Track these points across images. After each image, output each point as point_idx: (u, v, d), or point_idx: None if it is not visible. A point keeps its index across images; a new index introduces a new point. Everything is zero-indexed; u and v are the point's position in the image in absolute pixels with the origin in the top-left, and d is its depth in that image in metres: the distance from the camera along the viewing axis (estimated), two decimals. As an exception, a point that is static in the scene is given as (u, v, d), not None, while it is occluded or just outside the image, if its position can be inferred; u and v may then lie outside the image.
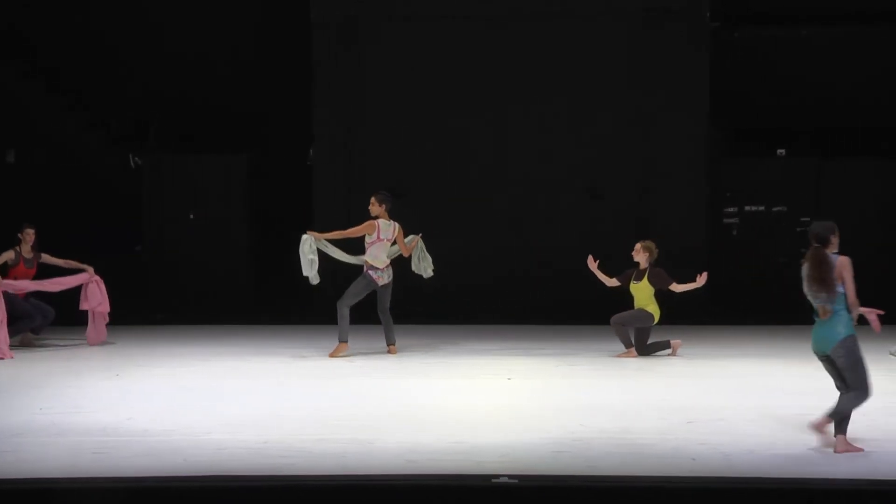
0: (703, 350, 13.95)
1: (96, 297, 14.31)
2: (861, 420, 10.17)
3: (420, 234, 13.85)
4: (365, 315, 14.90)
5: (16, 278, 14.33)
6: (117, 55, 17.73)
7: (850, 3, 17.38)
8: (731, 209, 17.73)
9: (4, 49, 17.63)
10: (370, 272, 13.29)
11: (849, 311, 9.21)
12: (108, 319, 14.57)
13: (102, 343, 14.49)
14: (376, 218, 13.28)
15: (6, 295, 14.17)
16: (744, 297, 17.19)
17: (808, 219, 17.52)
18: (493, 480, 8.14)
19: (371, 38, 17.11)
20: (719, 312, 16.59)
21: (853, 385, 9.19)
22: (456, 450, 9.14)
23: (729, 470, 8.65)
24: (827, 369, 9.42)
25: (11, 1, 17.42)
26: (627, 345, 13.67)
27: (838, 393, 9.30)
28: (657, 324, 13.67)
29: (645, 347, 13.64)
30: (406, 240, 13.66)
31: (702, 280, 13.45)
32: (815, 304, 9.28)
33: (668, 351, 13.69)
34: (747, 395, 11.36)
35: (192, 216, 16.41)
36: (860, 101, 17.61)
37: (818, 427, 9.19)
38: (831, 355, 9.19)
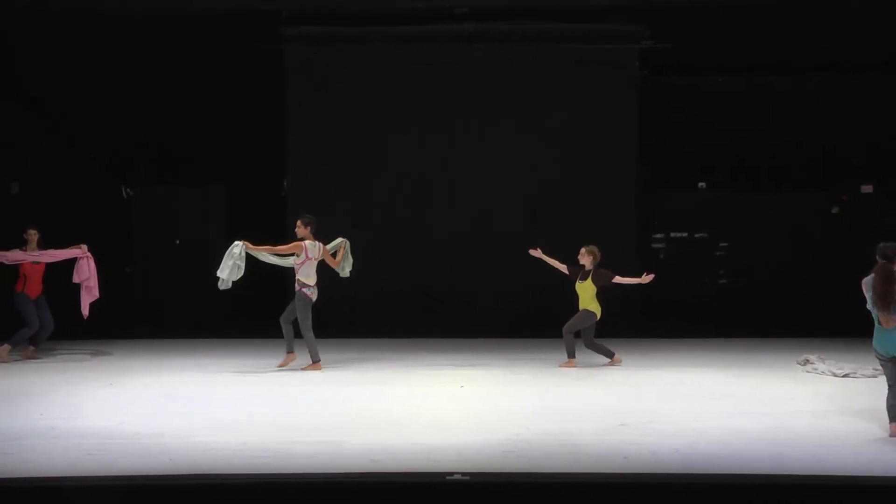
0: (635, 360, 13.95)
1: (84, 273, 14.10)
2: (768, 421, 10.30)
3: (346, 240, 13.61)
4: (346, 329, 14.93)
5: (26, 275, 14.21)
6: (109, 97, 17.64)
7: (761, 56, 17.54)
8: (658, 235, 17.84)
9: (8, 92, 17.55)
10: (303, 290, 13.06)
11: None
12: (96, 296, 14.25)
13: (88, 313, 14.22)
14: (303, 239, 13.10)
15: (20, 295, 14.18)
16: (671, 313, 17.28)
17: (726, 244, 17.73)
18: (448, 477, 8.16)
19: (337, 82, 17.13)
20: (649, 327, 16.68)
21: None
22: (414, 450, 9.15)
23: (657, 467, 8.70)
24: (887, 370, 9.64)
25: (18, 53, 17.31)
26: (571, 355, 13.71)
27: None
28: (597, 334, 13.75)
29: (592, 343, 13.65)
30: (332, 245, 13.44)
31: (647, 279, 13.60)
32: (877, 313, 9.50)
33: (608, 361, 13.71)
34: (674, 401, 11.38)
35: (178, 241, 16.34)
36: (771, 141, 17.78)
37: None
38: None
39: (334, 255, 13.52)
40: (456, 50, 16.98)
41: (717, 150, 17.89)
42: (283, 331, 13.28)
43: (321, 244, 13.27)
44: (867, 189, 17.56)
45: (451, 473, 8.23)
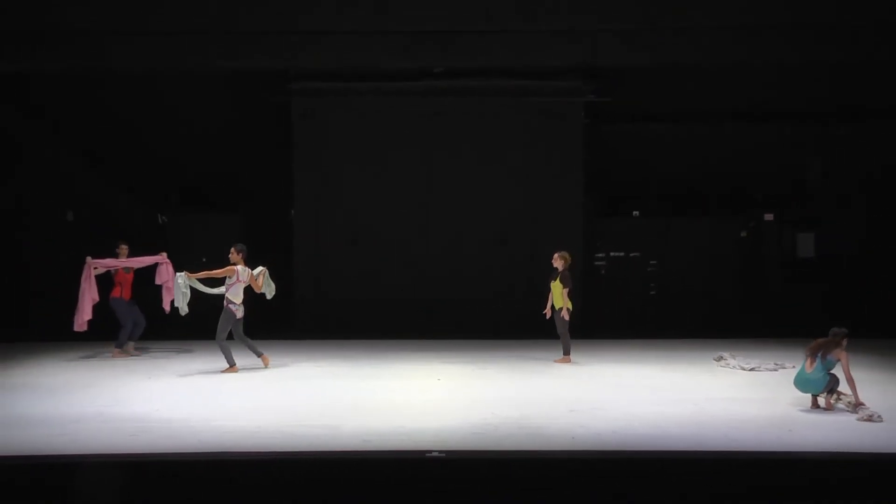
0: (582, 357, 13.94)
1: (164, 276, 14.00)
2: (690, 407, 10.37)
3: (265, 268, 13.24)
4: (342, 331, 14.87)
5: (120, 283, 14.14)
6: (146, 141, 17.61)
7: (684, 108, 17.60)
8: (600, 254, 17.85)
9: (64, 141, 17.55)
10: (230, 306, 12.61)
11: None
12: (172, 295, 14.01)
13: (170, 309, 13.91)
14: (235, 265, 12.73)
15: (116, 300, 14.09)
16: (611, 318, 17.29)
17: (656, 261, 17.79)
18: (427, 455, 8.23)
19: (335, 127, 17.08)
20: (594, 329, 16.68)
21: None
22: (399, 432, 9.17)
23: (600, 445, 8.76)
24: None
25: (72, 109, 17.29)
26: (566, 352, 13.61)
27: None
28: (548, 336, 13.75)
29: (564, 336, 13.57)
30: (255, 271, 13.00)
31: (566, 315, 13.52)
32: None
33: (562, 357, 13.56)
34: (614, 391, 11.41)
35: (203, 260, 16.21)
36: (691, 177, 17.79)
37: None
38: None
39: (257, 280, 13.06)
40: (434, 101, 16.99)
41: (648, 185, 17.96)
42: (245, 344, 12.91)
43: (250, 270, 12.91)
44: (769, 217, 17.67)
45: (430, 451, 8.27)
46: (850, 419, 9.82)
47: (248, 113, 17.58)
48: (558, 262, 13.70)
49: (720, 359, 13.50)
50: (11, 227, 17.46)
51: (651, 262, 17.66)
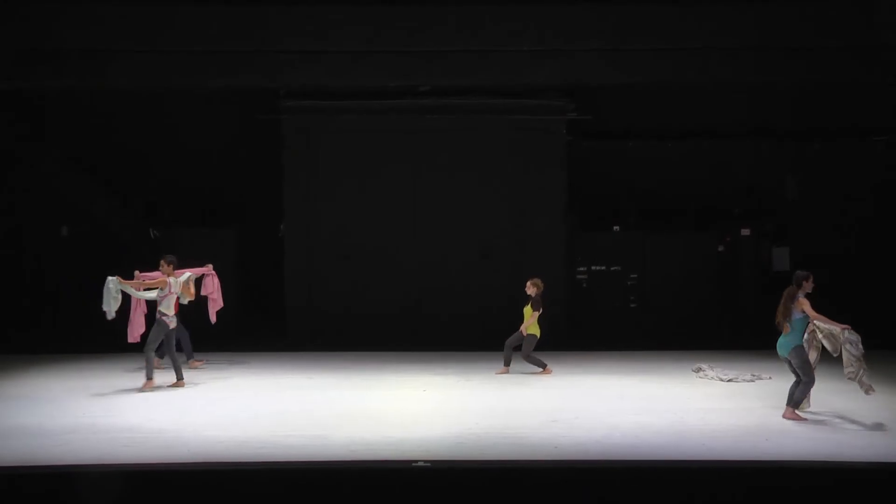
0: (563, 369, 13.93)
1: (209, 287, 13.94)
2: (669, 417, 10.40)
3: (191, 272, 13.02)
4: (327, 344, 14.83)
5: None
6: (140, 157, 17.58)
7: (664, 127, 17.63)
8: (582, 268, 17.86)
9: (58, 156, 17.51)
10: (164, 318, 12.28)
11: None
12: (221, 306, 14.05)
13: (216, 320, 13.96)
14: (167, 276, 12.47)
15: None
16: (592, 330, 17.31)
17: (636, 275, 17.83)
18: (413, 464, 8.23)
19: (324, 144, 17.03)
20: (574, 341, 16.68)
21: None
22: (385, 441, 9.17)
23: (581, 454, 8.78)
24: (789, 367, 10.34)
25: (67, 123, 17.25)
26: (506, 363, 13.68)
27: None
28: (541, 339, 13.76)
29: (529, 357, 13.55)
30: (183, 278, 12.72)
31: (525, 333, 13.63)
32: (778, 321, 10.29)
33: (542, 370, 13.63)
34: (595, 401, 11.43)
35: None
36: (670, 194, 17.82)
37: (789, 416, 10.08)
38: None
39: (189, 287, 12.84)
40: (420, 119, 17.04)
41: (628, 200, 18.01)
42: (171, 358, 12.60)
43: (181, 280, 12.67)
44: (746, 232, 17.74)
45: (416, 461, 8.28)
46: (825, 429, 9.87)
47: (240, 130, 17.58)
48: (531, 289, 13.78)
49: (699, 370, 13.52)
50: (6, 242, 17.39)
51: (631, 275, 17.70)
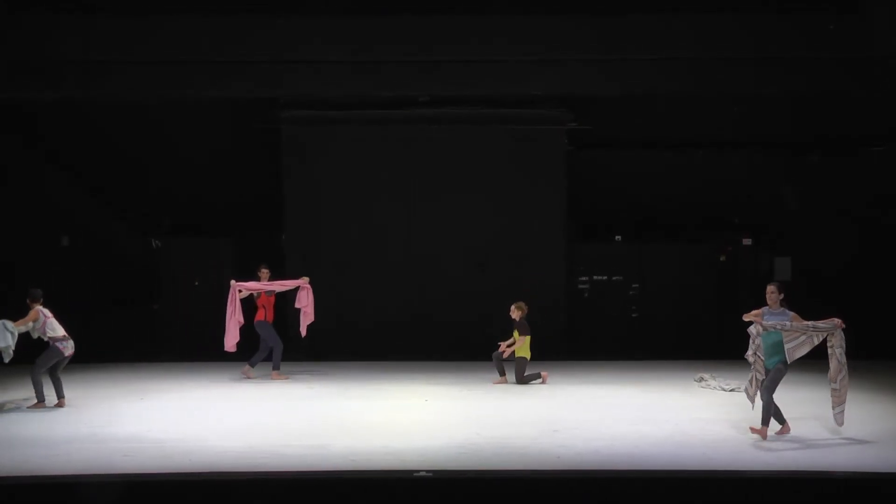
0: (564, 378, 13.97)
1: (303, 301, 14.09)
2: (669, 427, 10.40)
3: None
4: (328, 354, 14.80)
5: (264, 306, 14.07)
6: (140, 168, 17.62)
7: (663, 137, 17.62)
8: (583, 278, 17.86)
9: (59, 167, 17.56)
10: (56, 343, 11.85)
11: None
12: (312, 319, 14.23)
13: (306, 333, 14.16)
14: (37, 308, 11.92)
15: (261, 323, 14.00)
16: (592, 340, 17.32)
17: (637, 285, 17.84)
18: (415, 474, 8.22)
19: (323, 154, 17.08)
20: (575, 351, 16.70)
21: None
22: (386, 451, 9.17)
23: (581, 464, 8.77)
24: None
25: (66, 136, 17.28)
26: (501, 373, 13.73)
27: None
28: (532, 359, 13.81)
29: (523, 378, 13.63)
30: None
31: (507, 351, 13.70)
32: None
33: (540, 380, 13.75)
34: (595, 411, 11.44)
35: (196, 283, 16.24)
36: (671, 204, 17.85)
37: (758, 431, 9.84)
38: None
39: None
40: (418, 129, 17.07)
41: (629, 210, 18.03)
42: (54, 381, 12.11)
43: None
44: (747, 242, 17.78)
45: (417, 471, 8.27)
46: (825, 440, 9.87)
47: (240, 141, 17.61)
48: (515, 314, 13.81)
49: (701, 379, 13.53)
50: (4, 252, 17.41)
51: (633, 285, 17.70)
